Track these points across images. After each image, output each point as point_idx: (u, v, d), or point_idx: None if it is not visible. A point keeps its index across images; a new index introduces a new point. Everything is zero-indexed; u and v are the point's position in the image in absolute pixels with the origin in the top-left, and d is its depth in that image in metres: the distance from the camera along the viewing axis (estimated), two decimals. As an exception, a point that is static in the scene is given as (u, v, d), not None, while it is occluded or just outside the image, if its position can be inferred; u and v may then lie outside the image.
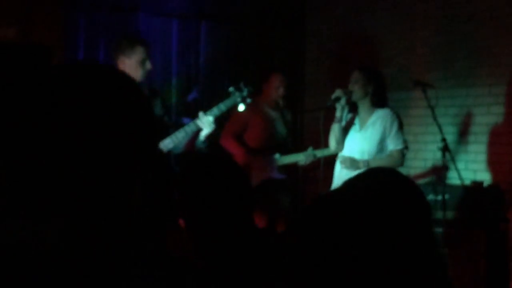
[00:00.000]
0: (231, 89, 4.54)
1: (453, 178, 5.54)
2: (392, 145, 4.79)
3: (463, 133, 5.99)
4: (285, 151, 5.47)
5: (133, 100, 0.98)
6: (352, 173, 4.61)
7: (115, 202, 0.95)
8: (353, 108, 4.90)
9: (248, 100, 4.56)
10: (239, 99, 4.51)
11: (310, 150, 5.26)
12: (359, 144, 4.81)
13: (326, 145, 4.98)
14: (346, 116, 4.89)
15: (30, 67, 4.96)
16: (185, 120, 6.05)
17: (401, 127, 4.86)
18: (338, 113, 4.79)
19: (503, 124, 5.72)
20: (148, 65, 4.30)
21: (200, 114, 4.36)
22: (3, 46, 5.03)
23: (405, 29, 6.50)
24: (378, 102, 4.82)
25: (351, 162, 4.68)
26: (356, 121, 4.87)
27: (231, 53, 7.06)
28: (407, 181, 1.53)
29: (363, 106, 4.83)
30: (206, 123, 4.31)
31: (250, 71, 7.04)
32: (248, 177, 2.18)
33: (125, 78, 1.00)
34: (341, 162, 4.75)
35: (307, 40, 7.56)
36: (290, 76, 7.47)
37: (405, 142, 4.85)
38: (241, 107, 4.63)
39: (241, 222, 2.07)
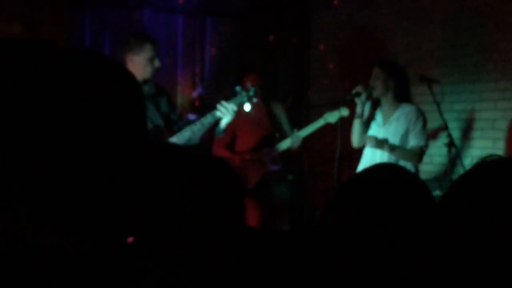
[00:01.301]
0: (237, 88, 4.55)
1: (458, 174, 5.53)
2: (415, 141, 4.71)
3: (469, 129, 5.98)
4: (276, 142, 5.48)
5: (124, 87, 0.96)
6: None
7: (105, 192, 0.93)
8: (375, 104, 4.87)
9: (254, 100, 4.57)
10: (245, 99, 4.51)
11: (295, 132, 5.31)
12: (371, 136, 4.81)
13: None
14: (368, 111, 4.87)
15: (35, 63, 4.98)
16: (191, 116, 6.05)
17: (425, 125, 4.77)
18: (358, 109, 4.77)
19: (509, 120, 5.70)
20: (157, 63, 4.31)
21: (222, 102, 4.37)
22: (8, 42, 5.04)
23: (411, 24, 6.49)
24: (402, 96, 4.78)
25: (377, 142, 4.66)
26: (378, 115, 4.83)
27: (237, 49, 7.05)
28: (413, 177, 1.54)
29: (386, 101, 4.79)
30: (229, 110, 4.32)
31: (255, 67, 7.04)
32: (241, 180, 2.18)
33: (114, 64, 0.99)
34: (368, 140, 4.72)
35: (313, 35, 7.55)
36: (295, 72, 7.49)
37: (426, 141, 4.76)
38: (247, 107, 4.66)
39: (233, 224, 2.07)
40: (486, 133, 5.86)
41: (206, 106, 6.59)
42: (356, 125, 4.81)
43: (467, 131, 5.99)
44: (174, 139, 4.32)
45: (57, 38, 5.55)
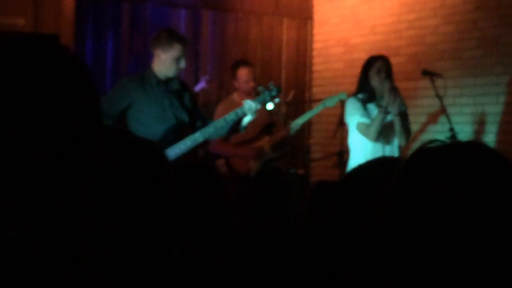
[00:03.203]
0: (260, 88, 4.59)
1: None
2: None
3: (471, 123, 5.99)
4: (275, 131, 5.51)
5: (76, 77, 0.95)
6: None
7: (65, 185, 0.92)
8: (372, 97, 4.76)
9: (277, 100, 4.61)
10: (268, 98, 4.54)
11: (293, 124, 5.40)
12: (384, 132, 4.74)
13: None
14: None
15: (38, 57, 4.98)
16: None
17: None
18: (385, 104, 4.65)
19: (511, 114, 5.71)
20: (182, 64, 4.33)
21: (246, 101, 4.43)
22: (11, 36, 5.04)
23: (413, 18, 6.49)
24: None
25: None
26: (373, 108, 4.77)
27: (239, 43, 7.06)
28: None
29: (389, 96, 4.76)
30: (252, 109, 4.37)
31: (258, 61, 7.05)
32: (226, 186, 2.20)
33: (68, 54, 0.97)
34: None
35: (315, 29, 7.55)
36: (297, 66, 7.50)
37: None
38: (270, 106, 4.71)
39: (218, 228, 2.09)
40: (488, 127, 5.87)
41: (209, 100, 6.60)
42: (380, 120, 4.69)
43: (469, 126, 5.99)
44: (198, 135, 4.35)
45: (60, 33, 5.56)
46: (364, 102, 4.72)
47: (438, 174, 0.82)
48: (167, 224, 1.84)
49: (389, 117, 4.74)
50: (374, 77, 4.67)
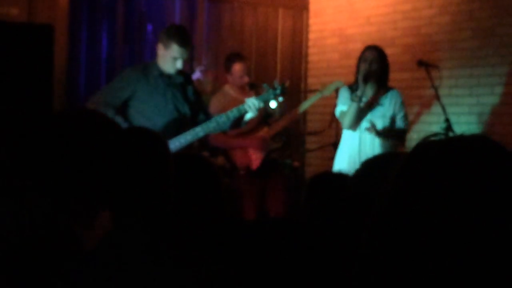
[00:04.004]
0: (264, 85, 4.60)
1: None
2: (402, 124, 4.87)
3: (467, 114, 5.99)
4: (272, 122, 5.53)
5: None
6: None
7: None
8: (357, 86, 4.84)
9: (280, 99, 4.63)
10: (272, 96, 4.56)
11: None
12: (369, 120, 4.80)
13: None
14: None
15: (32, 47, 4.96)
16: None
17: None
18: (359, 92, 4.73)
19: (506, 105, 5.71)
20: (179, 65, 4.32)
21: (249, 98, 4.50)
22: (6, 26, 5.02)
23: (409, 9, 6.47)
24: (384, 81, 4.84)
25: (377, 131, 4.73)
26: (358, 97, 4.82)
27: (234, 33, 7.04)
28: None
29: (371, 84, 4.81)
30: (255, 107, 4.42)
31: (253, 52, 7.04)
32: (218, 175, 2.23)
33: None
34: (371, 127, 4.74)
35: (310, 19, 7.53)
36: (293, 56, 7.48)
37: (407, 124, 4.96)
38: (273, 104, 4.74)
39: (211, 216, 2.10)
40: (484, 118, 5.87)
41: (203, 90, 6.59)
42: (354, 108, 4.75)
43: (464, 116, 5.99)
44: (199, 129, 4.35)
45: (54, 23, 5.53)
46: (354, 91, 4.81)
47: (441, 167, 0.82)
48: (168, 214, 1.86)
49: (381, 110, 4.78)
50: (361, 66, 4.76)
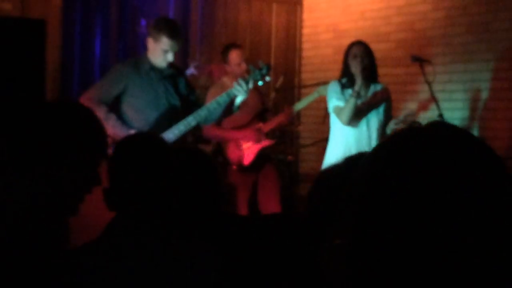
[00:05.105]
0: (250, 67, 4.56)
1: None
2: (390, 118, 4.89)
3: (460, 109, 6.00)
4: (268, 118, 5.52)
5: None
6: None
7: None
8: (352, 82, 4.82)
9: (267, 78, 4.59)
10: (258, 77, 4.52)
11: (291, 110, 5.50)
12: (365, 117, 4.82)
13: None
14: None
15: (25, 42, 4.94)
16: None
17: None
18: (357, 87, 4.72)
19: (499, 100, 5.72)
20: (170, 57, 4.30)
21: (239, 81, 4.39)
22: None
23: (403, 4, 6.47)
24: (373, 76, 4.83)
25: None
26: (346, 93, 4.83)
27: (228, 28, 7.03)
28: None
29: (360, 80, 4.81)
30: (244, 89, 4.35)
31: (247, 46, 7.02)
32: (216, 168, 2.23)
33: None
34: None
35: (304, 15, 7.52)
36: (287, 51, 7.47)
37: None
38: (260, 83, 4.71)
39: (210, 210, 2.10)
40: (477, 113, 5.88)
41: (197, 86, 6.58)
42: (352, 104, 4.72)
43: (458, 112, 6.00)
44: (190, 118, 4.33)
45: (47, 18, 5.50)
46: (344, 87, 4.80)
47: (404, 156, 0.82)
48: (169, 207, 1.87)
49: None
50: (351, 62, 4.75)
